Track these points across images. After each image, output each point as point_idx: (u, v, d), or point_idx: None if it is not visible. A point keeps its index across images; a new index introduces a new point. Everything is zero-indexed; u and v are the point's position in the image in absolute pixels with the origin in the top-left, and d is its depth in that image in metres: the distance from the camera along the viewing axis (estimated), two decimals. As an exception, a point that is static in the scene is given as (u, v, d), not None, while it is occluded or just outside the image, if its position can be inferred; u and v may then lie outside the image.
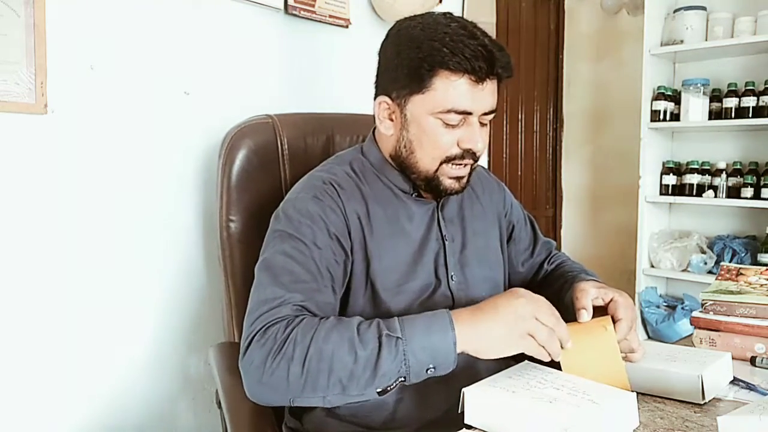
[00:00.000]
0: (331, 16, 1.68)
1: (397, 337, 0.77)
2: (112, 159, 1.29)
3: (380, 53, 0.97)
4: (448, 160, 0.92)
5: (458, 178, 0.95)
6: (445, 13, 0.93)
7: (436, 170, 0.93)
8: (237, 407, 1.00)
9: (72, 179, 1.23)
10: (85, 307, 1.26)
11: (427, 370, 0.78)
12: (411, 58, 0.88)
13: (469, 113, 0.89)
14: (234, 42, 1.49)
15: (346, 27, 1.73)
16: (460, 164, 0.93)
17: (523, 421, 0.70)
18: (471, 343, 0.78)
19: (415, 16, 0.94)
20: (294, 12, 1.59)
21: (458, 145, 0.91)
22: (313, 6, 1.63)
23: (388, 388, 0.78)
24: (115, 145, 1.29)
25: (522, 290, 0.82)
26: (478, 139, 0.91)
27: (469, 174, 0.97)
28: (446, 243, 1.00)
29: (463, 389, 0.76)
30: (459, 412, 0.76)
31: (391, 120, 0.95)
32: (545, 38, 3.12)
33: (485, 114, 0.91)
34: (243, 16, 1.50)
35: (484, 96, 0.89)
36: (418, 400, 0.92)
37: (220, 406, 1.05)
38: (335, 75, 1.72)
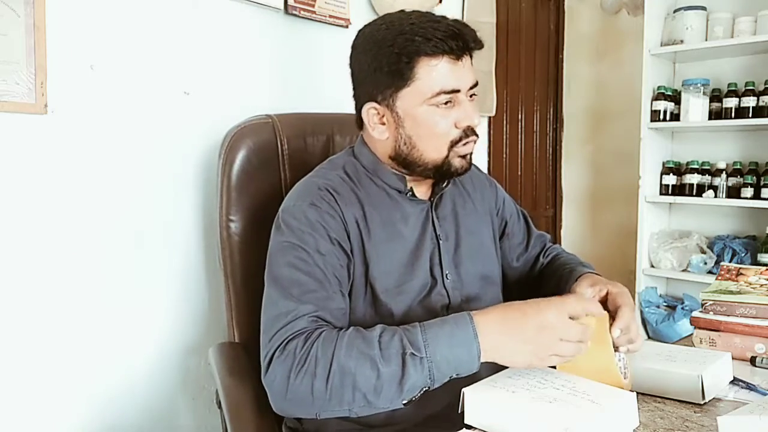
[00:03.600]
0: (331, 16, 1.68)
1: (422, 357, 0.77)
2: (112, 159, 1.29)
3: (353, 65, 0.98)
4: (454, 143, 0.94)
5: (464, 156, 0.97)
6: (401, 11, 0.95)
7: (447, 156, 0.95)
8: (237, 407, 1.00)
9: (72, 179, 1.23)
10: (84, 307, 1.26)
11: (450, 377, 0.80)
12: (387, 56, 0.90)
13: (458, 91, 0.91)
14: (234, 42, 1.49)
15: (346, 27, 1.73)
16: (465, 142, 0.95)
17: (523, 421, 0.70)
18: (493, 354, 0.79)
19: (374, 21, 0.97)
20: (294, 12, 1.59)
21: (456, 126, 0.93)
22: (313, 6, 1.63)
23: (413, 399, 0.80)
24: (115, 145, 1.29)
25: (550, 310, 0.79)
26: (474, 115, 0.94)
27: (471, 151, 0.99)
28: (440, 242, 1.00)
29: (463, 389, 0.76)
30: (459, 412, 0.76)
31: (383, 123, 0.96)
32: (545, 38, 3.11)
33: (470, 89, 0.94)
34: (243, 16, 1.50)
35: (465, 72, 0.92)
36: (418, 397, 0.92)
37: (220, 406, 1.05)
38: (335, 75, 1.72)
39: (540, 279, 1.15)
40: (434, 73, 0.89)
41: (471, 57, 0.94)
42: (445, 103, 0.91)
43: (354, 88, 0.99)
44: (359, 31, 0.97)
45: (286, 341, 0.81)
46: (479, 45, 0.93)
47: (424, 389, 0.79)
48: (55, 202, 1.21)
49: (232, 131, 1.19)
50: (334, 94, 1.70)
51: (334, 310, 0.87)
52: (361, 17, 1.78)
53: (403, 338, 0.79)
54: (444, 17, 0.92)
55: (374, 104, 0.95)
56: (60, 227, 1.22)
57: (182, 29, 1.39)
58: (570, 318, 0.78)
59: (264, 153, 1.18)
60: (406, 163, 0.96)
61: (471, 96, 0.95)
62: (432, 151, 0.94)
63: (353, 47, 0.98)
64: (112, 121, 1.28)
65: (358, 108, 0.99)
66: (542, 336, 0.77)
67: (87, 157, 1.25)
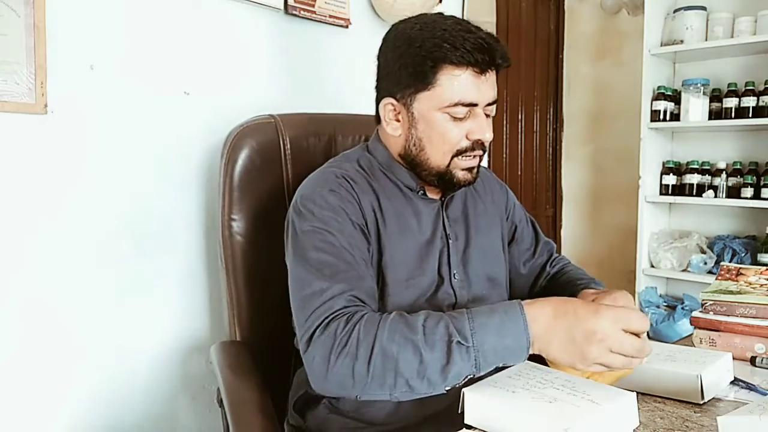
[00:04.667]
0: (331, 16, 1.68)
1: (468, 346, 0.76)
2: (112, 159, 1.29)
3: (380, 57, 0.99)
4: (459, 153, 0.94)
5: (470, 169, 0.97)
6: (437, 13, 0.96)
7: (448, 164, 0.95)
8: (239, 405, 1.01)
9: (72, 179, 1.23)
10: (85, 306, 1.26)
11: (496, 366, 0.79)
12: (413, 57, 0.90)
13: (475, 105, 0.92)
14: (234, 42, 1.49)
15: (346, 27, 1.73)
16: (471, 155, 0.95)
17: (523, 421, 0.70)
18: (540, 346, 0.77)
19: (409, 18, 0.96)
20: (294, 12, 1.59)
21: (467, 137, 0.94)
22: (313, 6, 1.63)
23: (456, 386, 0.79)
24: (115, 145, 1.29)
25: (606, 319, 0.74)
26: (486, 129, 0.94)
27: (478, 164, 0.99)
28: (450, 241, 1.01)
29: (463, 389, 0.76)
30: (459, 412, 0.76)
31: (398, 121, 0.97)
32: (545, 38, 3.11)
33: (488, 105, 0.94)
34: (243, 16, 1.50)
35: (487, 87, 0.92)
36: None
37: (221, 405, 1.05)
38: (335, 75, 1.72)
39: (549, 290, 1.14)
40: (456, 83, 0.90)
41: (497, 73, 0.94)
42: (462, 116, 0.92)
43: (377, 82, 1.00)
44: (393, 26, 0.98)
45: (327, 320, 0.81)
46: (507, 62, 0.93)
47: (469, 377, 0.78)
48: (55, 202, 1.21)
49: (234, 131, 1.19)
50: (333, 94, 1.70)
51: (368, 289, 0.87)
52: (361, 17, 1.78)
53: (449, 325, 0.78)
54: (479, 29, 0.92)
55: (392, 100, 0.96)
56: (60, 227, 1.22)
57: (182, 29, 1.39)
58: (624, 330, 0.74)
59: (266, 153, 1.18)
60: (413, 164, 0.98)
61: (488, 112, 0.96)
62: (438, 157, 0.95)
63: (384, 41, 0.98)
64: (112, 122, 1.28)
65: (377, 101, 1.00)
66: (590, 343, 0.74)
67: (87, 157, 1.25)
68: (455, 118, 0.92)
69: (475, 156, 0.96)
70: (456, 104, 0.91)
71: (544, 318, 0.77)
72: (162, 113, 1.36)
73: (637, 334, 0.75)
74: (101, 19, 1.25)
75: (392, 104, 0.96)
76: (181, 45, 1.39)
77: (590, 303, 0.80)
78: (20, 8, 1.12)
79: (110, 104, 1.28)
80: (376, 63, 1.00)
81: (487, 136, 0.94)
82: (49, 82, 1.17)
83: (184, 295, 1.43)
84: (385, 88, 0.97)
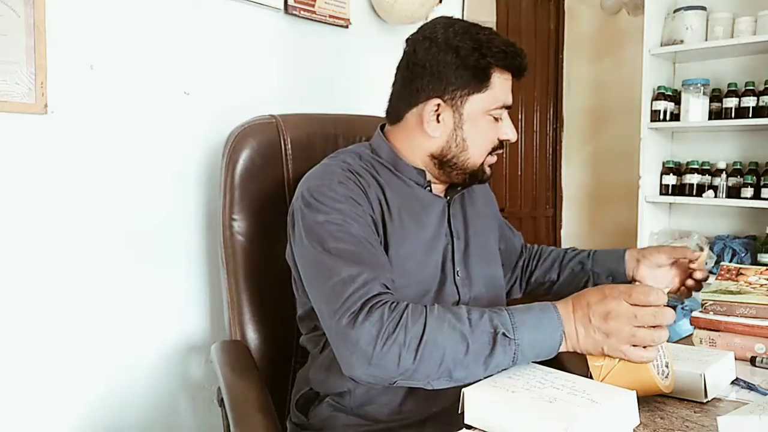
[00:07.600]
0: (331, 16, 1.68)
1: (511, 339, 0.78)
2: (112, 159, 1.29)
3: (422, 58, 0.96)
4: (492, 150, 1.00)
5: (491, 166, 1.03)
6: (458, 19, 1.01)
7: (482, 163, 1.00)
8: (239, 404, 1.01)
9: (72, 179, 1.23)
10: (85, 306, 1.26)
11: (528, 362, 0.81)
12: (470, 58, 0.93)
13: (510, 107, 0.99)
14: (234, 42, 1.49)
15: (346, 27, 1.73)
16: (495, 153, 1.02)
17: (523, 421, 0.70)
18: (573, 343, 0.80)
19: (439, 21, 0.99)
20: (294, 12, 1.59)
21: (498, 137, 0.99)
22: (313, 6, 1.63)
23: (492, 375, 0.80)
24: (115, 145, 1.29)
25: (612, 298, 0.78)
26: (514, 131, 1.01)
27: None
28: (454, 239, 1.02)
29: (463, 389, 0.76)
30: (459, 412, 0.76)
31: (438, 122, 0.97)
32: (545, 38, 3.12)
33: None
34: (243, 16, 1.50)
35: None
36: (425, 392, 0.92)
37: (221, 404, 1.05)
38: (335, 75, 1.72)
39: (527, 268, 1.25)
40: (502, 86, 0.96)
41: None
42: (499, 117, 0.98)
43: (414, 82, 0.98)
44: (432, 27, 0.97)
45: (368, 306, 0.80)
46: (527, 70, 1.00)
47: (504, 369, 0.80)
48: (55, 203, 1.21)
49: (236, 131, 1.19)
50: (334, 94, 1.70)
51: (390, 278, 0.87)
52: (361, 17, 1.78)
53: (493, 318, 0.79)
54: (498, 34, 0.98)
55: (439, 101, 0.96)
56: (60, 227, 1.22)
57: (182, 29, 1.39)
58: (636, 305, 0.77)
59: (267, 152, 1.19)
60: (450, 164, 0.99)
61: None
62: (477, 156, 0.99)
63: (428, 39, 0.96)
64: (112, 121, 1.28)
65: (412, 101, 0.98)
66: (608, 323, 0.77)
67: (87, 157, 1.25)
68: (495, 120, 0.98)
69: (497, 154, 1.02)
70: (501, 106, 0.97)
71: (568, 315, 0.80)
72: (162, 113, 1.36)
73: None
74: (101, 19, 1.25)
75: (438, 105, 0.96)
76: (181, 45, 1.39)
77: (598, 288, 0.82)
78: (20, 8, 1.12)
79: (110, 104, 1.28)
80: (412, 63, 0.98)
81: (513, 135, 1.00)
82: (49, 82, 1.17)
83: (184, 294, 1.43)
84: (430, 87, 0.96)
